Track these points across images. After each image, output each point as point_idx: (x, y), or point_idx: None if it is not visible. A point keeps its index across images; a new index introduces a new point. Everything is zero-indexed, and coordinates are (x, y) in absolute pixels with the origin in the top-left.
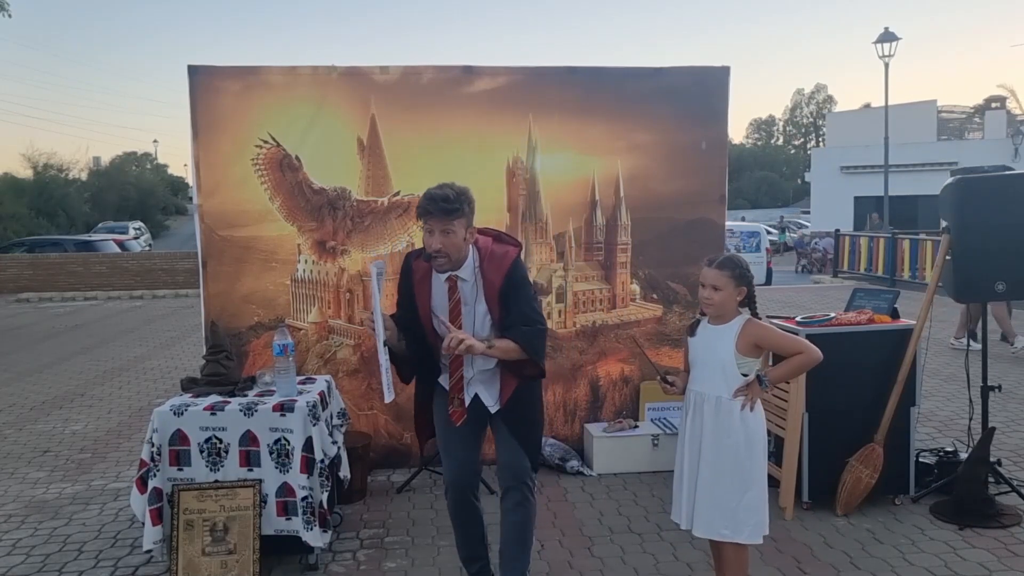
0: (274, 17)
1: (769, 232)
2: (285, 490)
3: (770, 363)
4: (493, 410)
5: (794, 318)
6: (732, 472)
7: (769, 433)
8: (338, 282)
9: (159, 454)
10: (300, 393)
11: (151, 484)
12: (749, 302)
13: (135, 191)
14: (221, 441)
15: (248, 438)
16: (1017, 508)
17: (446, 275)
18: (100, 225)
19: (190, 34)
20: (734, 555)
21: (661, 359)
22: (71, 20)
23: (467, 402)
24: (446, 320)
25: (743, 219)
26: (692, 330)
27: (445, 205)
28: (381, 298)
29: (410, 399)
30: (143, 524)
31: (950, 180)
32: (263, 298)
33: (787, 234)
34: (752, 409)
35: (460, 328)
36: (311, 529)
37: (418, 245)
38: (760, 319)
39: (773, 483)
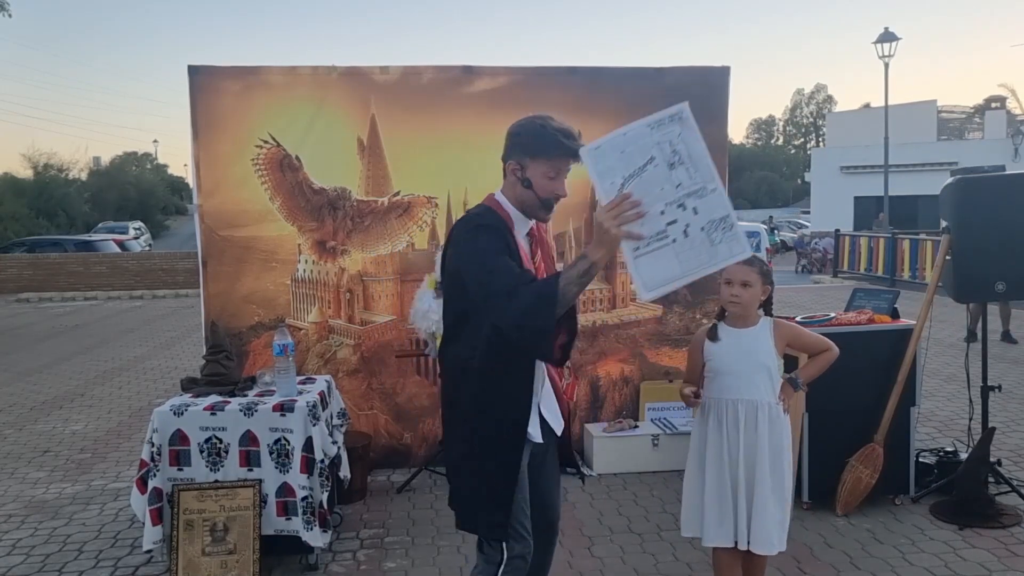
0: (274, 17)
1: None
2: (285, 490)
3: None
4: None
5: (794, 318)
6: (784, 482)
7: None
8: (338, 282)
9: (159, 454)
10: (300, 393)
11: (151, 484)
12: (766, 304)
13: (135, 191)
14: (221, 441)
15: (248, 438)
16: (1017, 508)
17: (528, 229)
18: (100, 225)
19: (190, 34)
20: (765, 562)
21: (661, 359)
22: (71, 20)
23: (537, 433)
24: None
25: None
26: (713, 334)
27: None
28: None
29: (410, 399)
30: (143, 524)
31: (950, 180)
32: (263, 298)
33: (777, 235)
34: (787, 412)
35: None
36: (311, 529)
37: (418, 245)
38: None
39: None
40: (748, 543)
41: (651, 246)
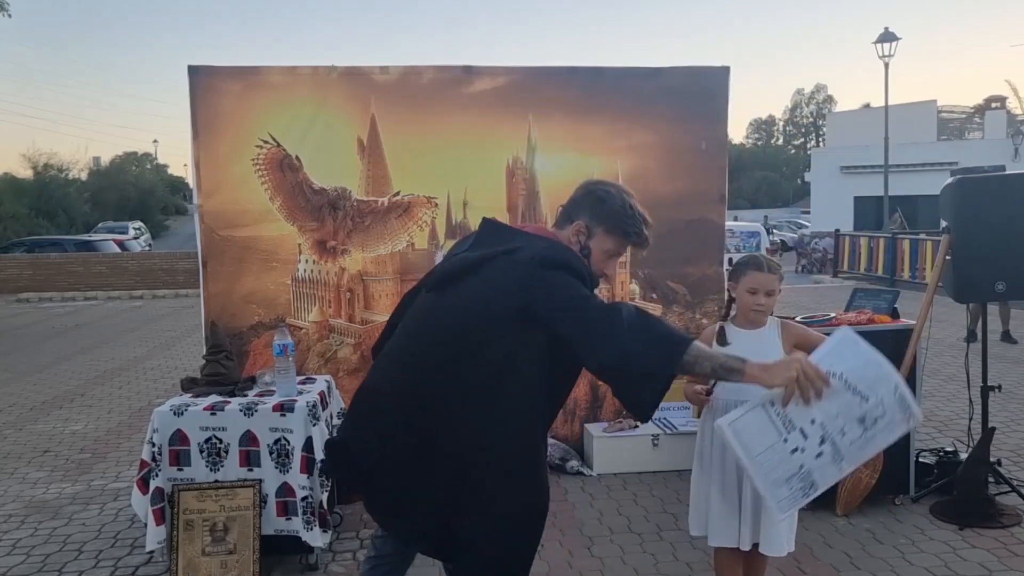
0: (274, 17)
1: None
2: (285, 490)
3: None
4: None
5: (794, 318)
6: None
7: None
8: (338, 282)
9: (160, 454)
10: (300, 393)
11: (153, 484)
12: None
13: (135, 191)
14: (221, 441)
15: (248, 438)
16: (1017, 508)
17: None
18: (100, 225)
19: (190, 34)
20: (766, 563)
21: None
22: (71, 20)
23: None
24: None
25: (736, 218)
26: (722, 338)
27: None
28: None
29: None
30: (145, 524)
31: (950, 180)
32: (263, 298)
33: (773, 234)
34: None
35: None
36: (311, 529)
37: (418, 245)
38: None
39: None
40: (757, 543)
41: (776, 419)
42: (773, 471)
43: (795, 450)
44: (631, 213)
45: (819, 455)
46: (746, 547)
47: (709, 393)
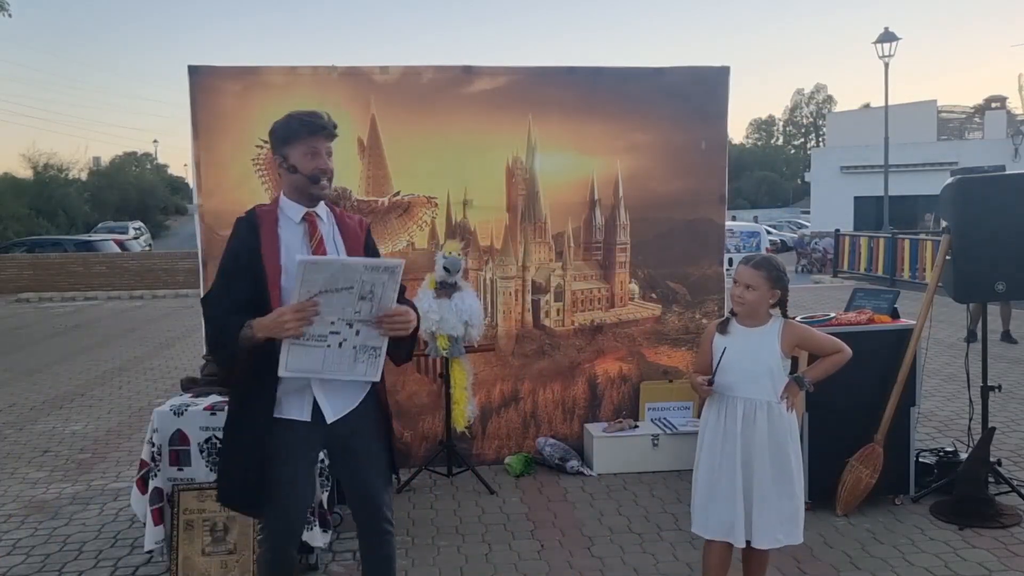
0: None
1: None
2: None
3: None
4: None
5: (794, 318)
6: (786, 476)
7: None
8: None
9: (159, 454)
10: None
11: (152, 484)
12: (781, 305)
13: (135, 191)
14: (221, 441)
15: None
16: (1017, 508)
17: (303, 214)
18: (100, 225)
19: (190, 34)
20: (768, 556)
21: (659, 358)
22: (71, 20)
23: (303, 415)
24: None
25: (734, 218)
26: (723, 328)
27: (334, 125)
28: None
29: (410, 397)
30: (144, 524)
31: (950, 180)
32: None
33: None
34: (790, 410)
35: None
36: (311, 529)
37: (419, 245)
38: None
39: None
40: (749, 538)
41: (309, 342)
42: (342, 366)
43: (340, 344)
44: (291, 119)
45: (357, 332)
46: (740, 543)
47: (711, 383)
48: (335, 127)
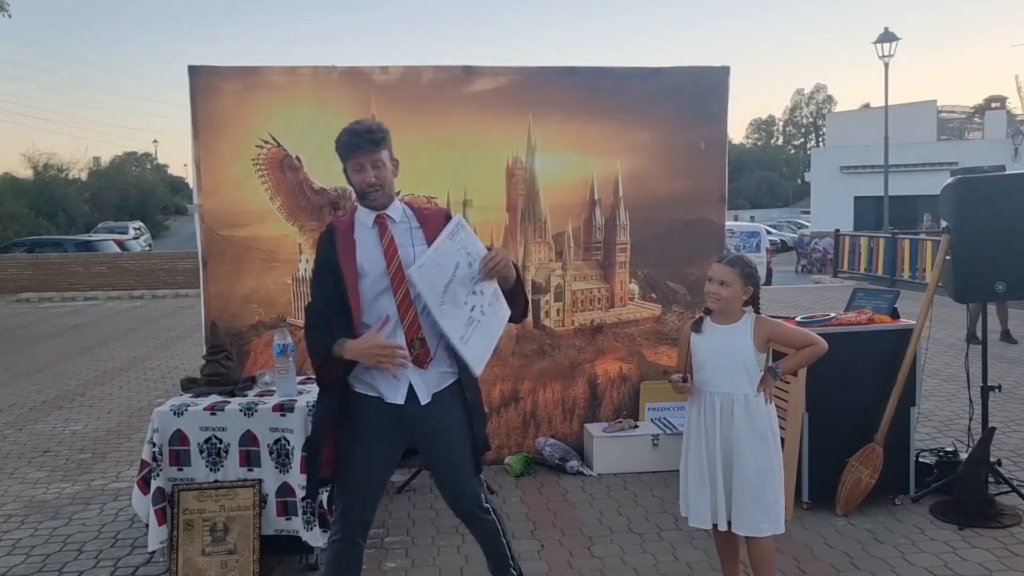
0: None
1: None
2: (285, 490)
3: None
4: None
5: (794, 318)
6: (768, 467)
7: None
8: None
9: (160, 454)
10: (300, 393)
11: (154, 484)
12: (753, 302)
13: (135, 191)
14: (221, 441)
15: (248, 438)
16: (1017, 508)
17: (374, 218)
18: (100, 225)
19: (190, 34)
20: (769, 548)
21: (659, 358)
22: (71, 20)
23: (398, 398)
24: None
25: (735, 218)
26: (697, 327)
27: (372, 136)
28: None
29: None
30: (146, 524)
31: (950, 180)
32: (264, 298)
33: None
34: (770, 401)
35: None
36: (311, 529)
37: None
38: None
39: None
40: (728, 524)
41: (469, 332)
42: (493, 327)
43: (483, 311)
44: (338, 138)
45: (482, 292)
46: (722, 527)
47: (685, 380)
48: (376, 136)
